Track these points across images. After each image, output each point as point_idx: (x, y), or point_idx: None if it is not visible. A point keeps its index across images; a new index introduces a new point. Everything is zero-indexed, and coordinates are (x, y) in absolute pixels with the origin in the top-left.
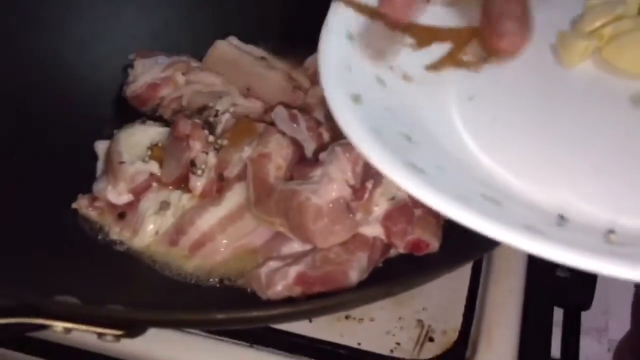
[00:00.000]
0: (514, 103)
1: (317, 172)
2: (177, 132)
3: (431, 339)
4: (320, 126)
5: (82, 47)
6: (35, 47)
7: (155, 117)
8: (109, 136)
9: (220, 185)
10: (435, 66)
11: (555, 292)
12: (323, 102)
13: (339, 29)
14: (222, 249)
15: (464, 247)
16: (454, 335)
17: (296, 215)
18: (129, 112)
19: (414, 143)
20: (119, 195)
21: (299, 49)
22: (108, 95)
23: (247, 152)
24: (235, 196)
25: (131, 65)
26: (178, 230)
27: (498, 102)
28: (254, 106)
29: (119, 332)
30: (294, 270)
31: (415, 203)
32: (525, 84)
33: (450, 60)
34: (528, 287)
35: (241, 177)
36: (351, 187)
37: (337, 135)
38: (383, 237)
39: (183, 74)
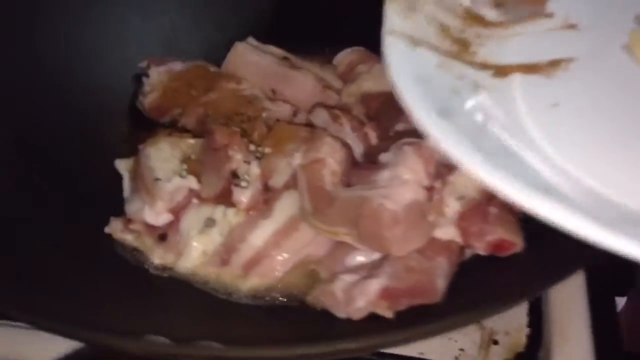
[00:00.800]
0: (594, 108)
1: (383, 175)
2: (214, 143)
3: (495, 342)
4: (365, 126)
5: (90, 58)
6: (42, 60)
7: (177, 128)
8: (127, 152)
9: (266, 196)
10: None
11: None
12: (363, 101)
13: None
14: (279, 266)
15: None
16: (517, 336)
17: (369, 223)
18: (145, 123)
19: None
20: (157, 215)
21: (322, 47)
22: (120, 108)
23: (296, 158)
24: (285, 207)
25: (145, 74)
26: (228, 249)
27: (578, 109)
28: (282, 110)
29: None
30: (375, 284)
31: (489, 201)
32: (603, 87)
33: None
34: (589, 279)
35: (289, 186)
36: (425, 188)
37: (385, 135)
38: (459, 239)
39: (203, 79)
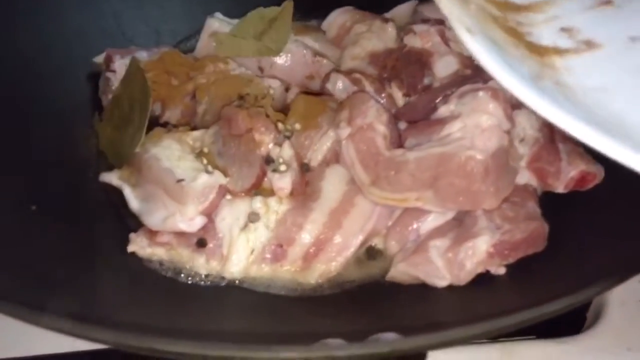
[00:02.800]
0: None
1: (454, 127)
2: (237, 128)
3: None
4: (387, 86)
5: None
6: None
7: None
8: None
9: (306, 177)
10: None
11: None
12: (373, 62)
13: None
14: (345, 247)
15: None
16: None
17: (457, 179)
18: None
19: None
20: (190, 221)
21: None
22: (82, 110)
23: (342, 129)
24: (333, 184)
25: (109, 69)
26: (283, 242)
27: None
28: (273, 86)
29: None
30: (483, 242)
31: (552, 139)
32: None
33: None
34: None
35: (329, 161)
36: (506, 132)
37: (412, 92)
38: (534, 182)
39: (181, 66)
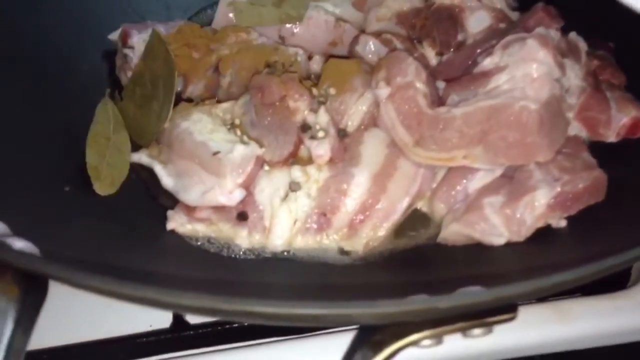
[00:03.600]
0: None
1: (501, 79)
2: (270, 97)
3: None
4: (419, 44)
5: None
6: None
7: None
8: None
9: (344, 142)
10: None
11: None
12: (401, 22)
13: None
14: (391, 212)
15: None
16: None
17: (511, 131)
18: None
19: None
20: (230, 194)
21: None
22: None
23: (381, 89)
24: (374, 147)
25: (127, 45)
26: (327, 210)
27: None
28: (299, 53)
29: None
30: (543, 195)
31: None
32: None
33: None
34: None
35: (366, 125)
36: (556, 81)
37: (445, 50)
38: (583, 132)
39: (201, 38)
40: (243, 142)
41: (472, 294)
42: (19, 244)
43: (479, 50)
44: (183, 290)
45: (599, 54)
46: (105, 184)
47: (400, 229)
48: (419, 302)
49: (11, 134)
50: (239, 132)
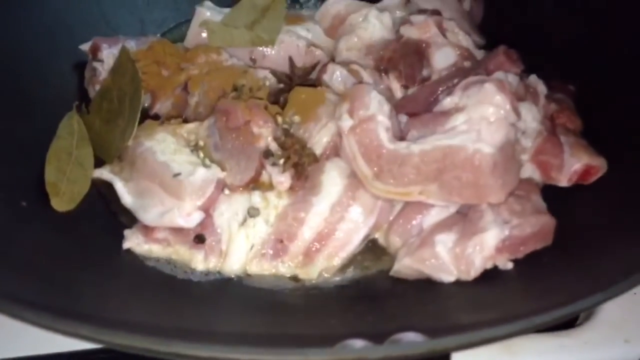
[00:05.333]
0: None
1: (458, 120)
2: (234, 121)
3: None
4: (385, 76)
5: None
6: None
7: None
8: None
9: (305, 170)
10: None
11: None
12: (370, 52)
13: None
14: (347, 242)
15: None
16: None
17: (464, 172)
18: None
19: None
20: (188, 216)
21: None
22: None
23: (344, 121)
24: (334, 177)
25: (96, 58)
26: (284, 237)
27: None
28: (268, 77)
29: None
30: (492, 237)
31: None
32: None
33: None
34: None
35: (328, 155)
36: (512, 125)
37: (410, 84)
38: (536, 175)
39: (172, 56)
40: (205, 165)
41: (404, 346)
42: None
43: (441, 88)
44: (114, 330)
45: (558, 97)
46: (63, 201)
47: (355, 260)
48: (349, 352)
49: None
50: (201, 154)
